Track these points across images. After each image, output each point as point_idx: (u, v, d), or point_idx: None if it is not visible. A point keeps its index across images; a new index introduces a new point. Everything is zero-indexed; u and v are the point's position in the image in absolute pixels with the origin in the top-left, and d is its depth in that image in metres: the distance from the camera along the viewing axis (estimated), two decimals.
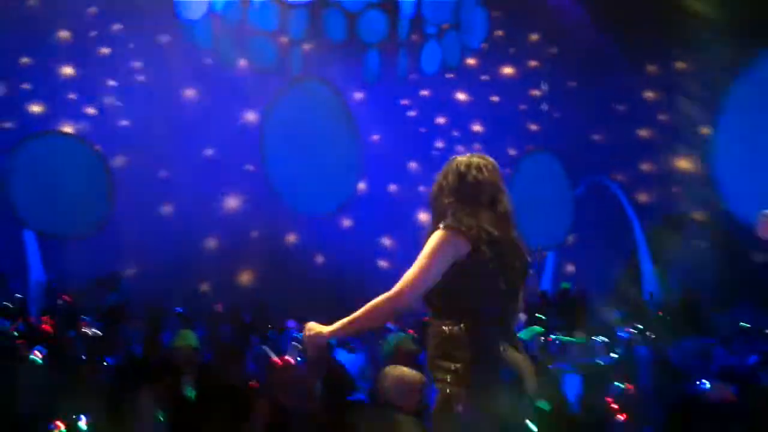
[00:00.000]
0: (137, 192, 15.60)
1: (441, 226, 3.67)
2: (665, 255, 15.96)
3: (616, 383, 8.12)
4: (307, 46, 18.60)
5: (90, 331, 10.97)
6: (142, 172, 16.37)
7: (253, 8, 17.73)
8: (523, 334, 11.38)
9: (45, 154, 14.12)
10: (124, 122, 17.27)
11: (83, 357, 8.38)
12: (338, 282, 15.20)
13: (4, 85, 16.46)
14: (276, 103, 15.27)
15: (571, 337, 8.90)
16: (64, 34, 17.37)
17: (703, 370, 8.45)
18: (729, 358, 9.13)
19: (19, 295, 12.19)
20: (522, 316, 13.92)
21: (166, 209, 17.12)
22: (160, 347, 8.76)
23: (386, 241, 18.00)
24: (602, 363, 8.56)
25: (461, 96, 19.62)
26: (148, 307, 12.15)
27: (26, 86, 16.73)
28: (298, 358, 7.06)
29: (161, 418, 6.42)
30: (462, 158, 3.96)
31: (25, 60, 16.81)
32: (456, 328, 3.54)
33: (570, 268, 17.37)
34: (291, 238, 17.58)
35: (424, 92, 19.50)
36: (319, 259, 17.62)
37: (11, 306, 11.36)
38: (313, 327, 3.69)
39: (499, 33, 19.52)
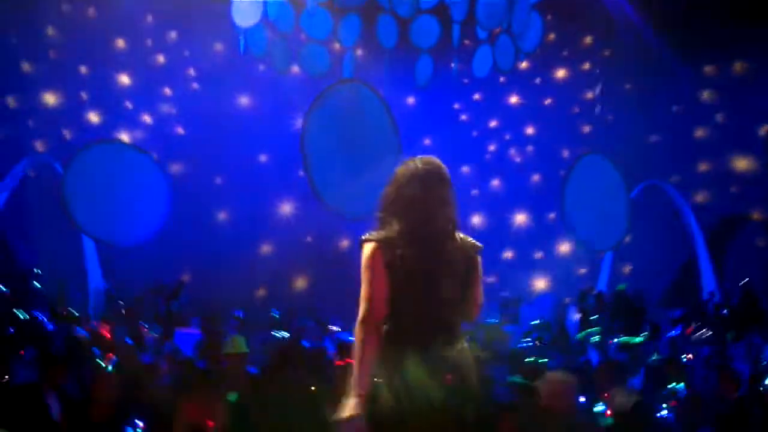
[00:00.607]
0: (193, 199, 15.79)
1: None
2: (724, 255, 15.74)
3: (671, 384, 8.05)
4: (359, 53, 18.66)
5: (150, 336, 11.18)
6: (197, 179, 16.58)
7: (306, 16, 17.84)
8: (579, 336, 11.35)
9: (103, 163, 14.29)
10: (180, 130, 17.52)
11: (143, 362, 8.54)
12: None
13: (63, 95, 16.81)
14: (318, 106, 15.29)
15: (629, 337, 8.82)
16: (120, 42, 17.70)
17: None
18: None
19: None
20: (576, 316, 13.85)
21: (222, 215, 17.31)
22: (217, 353, 8.86)
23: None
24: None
25: (514, 99, 19.54)
26: (204, 313, 12.28)
27: (84, 95, 17.05)
28: None
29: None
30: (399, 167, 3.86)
31: (83, 69, 17.14)
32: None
33: (627, 269, 17.18)
34: (344, 243, 17.64)
35: (477, 96, 19.45)
36: None
37: (75, 313, 11.58)
38: (341, 419, 3.55)
39: (552, 36, 19.37)
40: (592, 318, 12.98)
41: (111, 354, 8.23)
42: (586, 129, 18.99)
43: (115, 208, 13.83)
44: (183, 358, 9.07)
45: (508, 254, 18.34)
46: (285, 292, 16.17)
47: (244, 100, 18.20)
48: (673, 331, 11.61)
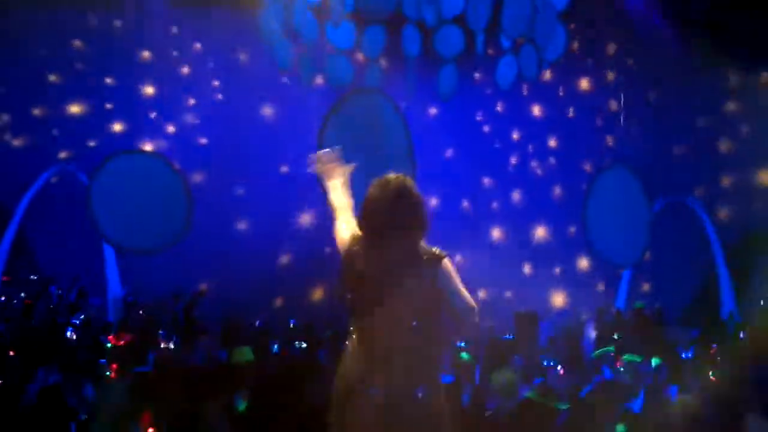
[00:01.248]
0: (214, 208, 15.91)
1: None
2: (746, 273, 15.56)
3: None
4: (383, 63, 18.71)
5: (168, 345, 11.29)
6: (219, 189, 16.71)
7: (331, 26, 17.93)
8: (595, 354, 11.27)
9: (126, 172, 14.47)
10: (203, 140, 17.68)
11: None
12: None
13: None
14: (334, 114, 15.34)
15: (631, 356, 8.75)
16: (146, 54, 17.90)
17: None
18: None
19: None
20: (592, 333, 13.77)
21: (242, 225, 17.43)
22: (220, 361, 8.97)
23: (457, 257, 17.96)
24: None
25: (536, 110, 19.46)
26: (223, 322, 12.38)
27: (109, 106, 17.27)
28: None
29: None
30: None
31: (108, 80, 17.37)
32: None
33: (646, 286, 17.06)
34: None
35: (500, 107, 19.40)
36: None
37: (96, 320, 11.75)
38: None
39: (576, 45, 19.30)
40: (609, 336, 12.93)
41: (115, 365, 8.32)
42: (609, 141, 18.88)
43: (137, 216, 14.01)
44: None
45: (526, 268, 18.28)
46: (303, 303, 16.25)
47: (267, 111, 18.32)
48: (689, 353, 11.49)
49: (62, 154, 16.68)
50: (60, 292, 13.87)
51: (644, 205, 15.52)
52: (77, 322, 11.62)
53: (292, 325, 13.17)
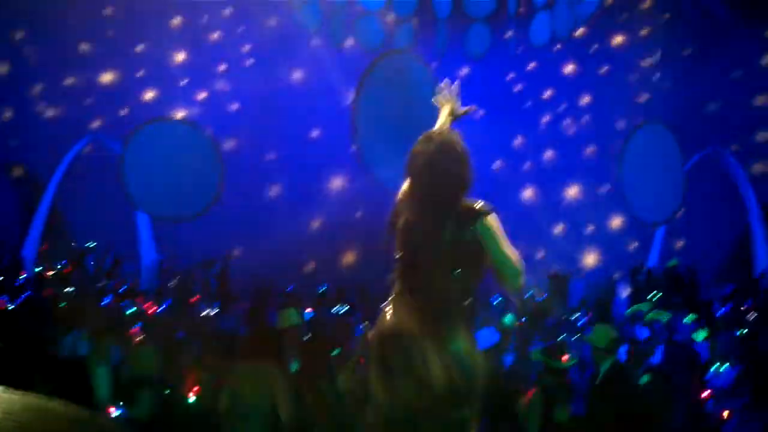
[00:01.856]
0: (245, 174, 16.00)
1: None
2: None
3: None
4: (413, 23, 18.58)
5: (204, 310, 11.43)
6: (250, 155, 16.79)
7: None
8: (628, 312, 11.24)
9: (158, 140, 14.61)
10: (234, 106, 17.73)
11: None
12: None
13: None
14: (368, 78, 15.27)
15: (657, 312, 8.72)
16: (176, 21, 17.93)
17: None
18: None
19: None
20: (626, 292, 13.72)
21: (273, 191, 17.51)
22: (265, 324, 9.07)
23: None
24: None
25: (569, 68, 19.22)
26: (254, 287, 12.50)
27: (140, 74, 17.36)
28: None
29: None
30: None
31: (139, 48, 17.44)
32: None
33: (679, 244, 16.89)
34: None
35: (531, 66, 19.18)
36: None
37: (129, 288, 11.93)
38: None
39: (610, 0, 19.01)
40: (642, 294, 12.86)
41: (135, 329, 8.45)
42: (643, 98, 18.61)
43: (169, 183, 14.17)
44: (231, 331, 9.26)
45: (558, 228, 18.17)
46: (334, 268, 16.32)
47: (297, 75, 18.30)
48: (722, 310, 11.40)
49: (95, 124, 16.84)
50: (94, 260, 14.08)
51: (678, 162, 15.36)
52: (112, 288, 11.78)
53: (323, 290, 13.25)
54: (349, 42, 18.62)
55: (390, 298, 3.84)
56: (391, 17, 18.63)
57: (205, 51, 17.90)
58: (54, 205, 14.92)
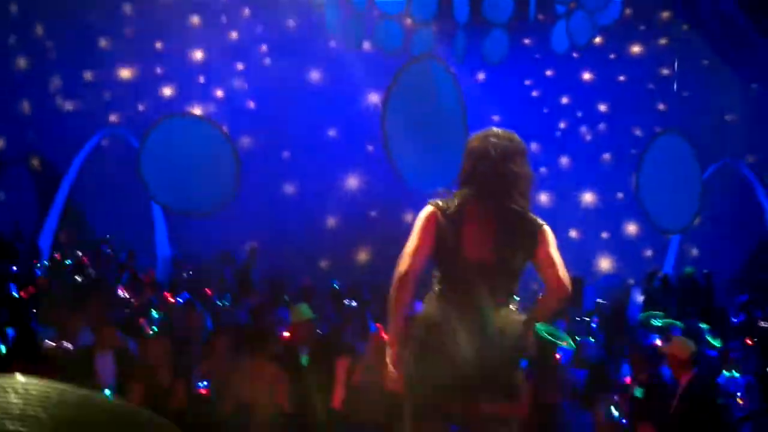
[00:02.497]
0: (261, 172, 16.03)
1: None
2: None
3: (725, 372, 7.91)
4: (432, 28, 18.60)
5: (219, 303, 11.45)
6: (266, 153, 16.83)
7: None
8: (641, 317, 11.20)
9: (175, 135, 14.62)
10: (251, 104, 17.78)
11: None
12: None
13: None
14: (395, 82, 15.31)
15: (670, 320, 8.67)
16: (195, 19, 18.02)
17: None
18: None
19: None
20: (640, 298, 13.66)
21: (289, 188, 17.55)
22: (271, 319, 9.08)
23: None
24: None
25: (587, 75, 19.22)
26: (269, 282, 12.51)
27: (159, 70, 17.44)
28: None
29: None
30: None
31: (158, 45, 17.53)
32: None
33: (694, 252, 16.85)
34: (408, 217, 17.68)
35: (549, 72, 19.19)
36: None
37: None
38: (387, 378, 3.84)
39: (629, 10, 18.98)
40: (657, 301, 12.82)
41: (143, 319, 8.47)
42: (661, 107, 18.59)
43: (186, 179, 14.17)
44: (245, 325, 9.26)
45: (573, 233, 18.14)
46: (348, 265, 16.32)
47: (314, 76, 18.35)
48: (737, 319, 11.35)
49: (113, 118, 16.92)
50: (110, 252, 14.13)
51: (695, 171, 15.31)
52: (127, 281, 11.82)
53: (335, 286, 13.26)
54: (367, 45, 18.66)
55: (428, 295, 3.86)
56: (410, 21, 18.65)
57: (223, 50, 17.97)
58: (71, 197, 14.97)
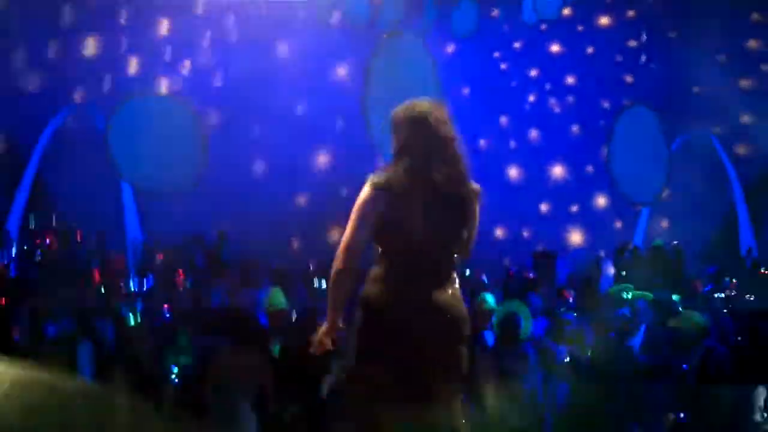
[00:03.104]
0: (230, 149, 15.85)
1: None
2: (765, 208, 15.48)
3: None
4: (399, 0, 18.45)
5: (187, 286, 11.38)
6: (235, 130, 16.63)
7: None
8: (611, 291, 11.29)
9: (142, 113, 14.42)
10: (218, 80, 17.54)
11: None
12: None
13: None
14: (375, 56, 15.17)
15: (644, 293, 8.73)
16: None
17: None
18: None
19: None
20: (611, 270, 13.78)
21: (258, 166, 17.39)
22: (247, 302, 9.03)
23: None
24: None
25: (555, 48, 19.19)
26: (241, 264, 12.44)
27: (123, 45, 17.12)
28: None
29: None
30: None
31: (122, 20, 17.19)
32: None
33: (664, 223, 17.00)
34: None
35: (517, 44, 19.15)
36: None
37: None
38: (318, 339, 3.86)
39: None
40: (627, 274, 12.92)
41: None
42: (628, 79, 18.65)
43: (154, 158, 14.01)
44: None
45: (544, 207, 18.22)
46: (320, 244, 16.23)
47: (282, 49, 18.12)
48: (706, 288, 11.50)
49: (77, 96, 16.60)
50: (79, 237, 13.94)
51: (663, 143, 15.45)
52: (98, 266, 11.70)
53: (310, 267, 13.22)
54: (336, 17, 18.47)
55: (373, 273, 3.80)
56: None
57: (188, 24, 17.66)
58: (37, 179, 14.71)
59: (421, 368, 3.65)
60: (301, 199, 17.47)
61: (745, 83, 17.49)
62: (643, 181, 15.46)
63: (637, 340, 8.03)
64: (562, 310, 8.60)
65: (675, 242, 14.62)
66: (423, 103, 3.87)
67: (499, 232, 17.39)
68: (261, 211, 15.45)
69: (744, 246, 15.44)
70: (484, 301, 8.36)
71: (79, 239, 13.87)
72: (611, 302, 9.71)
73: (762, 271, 13.45)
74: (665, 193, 15.59)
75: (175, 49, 17.49)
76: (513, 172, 18.34)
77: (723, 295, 11.35)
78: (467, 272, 12.35)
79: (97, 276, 10.65)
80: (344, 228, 3.74)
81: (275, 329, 7.31)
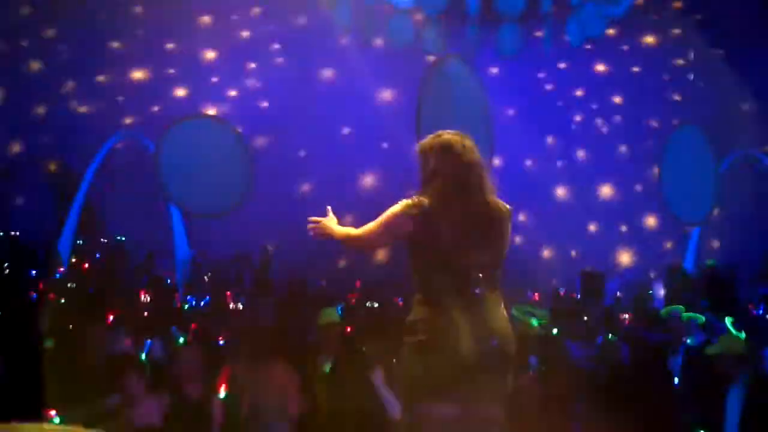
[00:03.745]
0: (277, 171, 15.98)
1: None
2: None
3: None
4: (443, 22, 18.53)
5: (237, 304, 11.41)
6: (281, 152, 16.77)
7: None
8: (663, 312, 11.11)
9: (190, 136, 14.56)
10: (264, 104, 17.73)
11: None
12: None
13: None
14: (426, 85, 15.19)
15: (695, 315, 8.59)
16: (206, 19, 17.97)
17: None
18: None
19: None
20: (661, 292, 13.57)
21: (305, 187, 17.48)
22: (298, 320, 9.01)
23: (522, 217, 17.78)
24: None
25: (600, 67, 19.08)
26: (288, 283, 12.46)
27: (171, 71, 17.39)
28: None
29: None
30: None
31: (170, 46, 17.48)
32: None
33: (715, 244, 16.73)
34: None
35: (562, 65, 19.07)
36: None
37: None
38: (326, 225, 4.36)
39: (641, 1, 18.89)
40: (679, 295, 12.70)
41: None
42: (676, 97, 18.46)
43: (202, 180, 14.11)
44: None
45: (592, 227, 18.03)
46: (366, 264, 16.21)
47: (327, 73, 18.28)
48: (759, 311, 11.26)
49: (127, 120, 16.87)
50: (130, 255, 14.11)
51: (712, 161, 15.23)
52: (147, 282, 11.79)
53: (359, 286, 13.20)
54: (379, 41, 18.59)
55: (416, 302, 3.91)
56: (420, 16, 18.58)
57: (235, 49, 17.91)
58: (88, 201, 14.92)
59: (471, 392, 3.75)
60: (348, 220, 17.47)
61: None
62: (693, 200, 15.25)
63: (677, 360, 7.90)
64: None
65: (728, 263, 14.36)
66: (448, 133, 4.10)
67: (546, 252, 17.25)
68: (307, 232, 15.45)
69: None
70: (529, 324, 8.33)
71: (128, 259, 14.04)
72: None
73: None
74: (716, 213, 15.33)
75: (221, 74, 17.73)
76: (560, 192, 18.19)
77: None
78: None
79: (145, 295, 10.69)
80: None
81: (327, 345, 7.25)
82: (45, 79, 16.95)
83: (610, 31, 18.98)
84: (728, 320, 9.94)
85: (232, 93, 17.72)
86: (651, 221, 17.65)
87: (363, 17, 18.03)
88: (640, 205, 17.47)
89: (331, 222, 4.39)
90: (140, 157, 14.69)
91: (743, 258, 14.93)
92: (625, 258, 17.49)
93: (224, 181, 14.19)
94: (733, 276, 13.54)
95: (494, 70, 18.43)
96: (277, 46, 18.23)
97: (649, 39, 19.05)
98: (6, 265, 11.96)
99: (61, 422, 5.61)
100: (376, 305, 10.92)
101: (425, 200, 3.87)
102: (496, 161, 16.66)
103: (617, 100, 18.84)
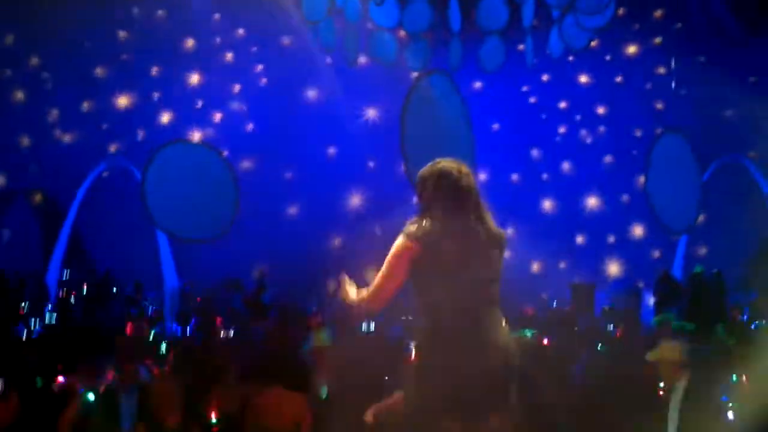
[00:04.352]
0: (264, 194, 15.97)
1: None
2: None
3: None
4: (426, 38, 18.57)
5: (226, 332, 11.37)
6: (268, 174, 16.77)
7: (373, 4, 17.82)
8: (654, 321, 11.16)
9: (175, 162, 14.55)
10: (249, 126, 17.74)
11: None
12: None
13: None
14: (408, 99, 15.24)
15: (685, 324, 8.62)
16: (189, 42, 17.99)
17: None
18: None
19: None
20: (651, 301, 13.61)
21: (292, 210, 17.48)
22: (288, 344, 8.98)
23: (509, 231, 17.81)
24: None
25: (583, 78, 19.17)
26: (279, 307, 12.44)
27: (156, 96, 17.39)
28: None
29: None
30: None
31: (154, 71, 17.49)
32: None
33: (702, 251, 16.79)
34: None
35: (545, 77, 19.15)
36: None
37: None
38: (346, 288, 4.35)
39: (622, 10, 18.95)
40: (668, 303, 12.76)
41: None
42: (659, 106, 18.55)
43: (188, 206, 14.11)
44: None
45: (579, 239, 18.08)
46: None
47: (312, 94, 18.31)
48: (746, 316, 11.31)
49: (112, 147, 16.86)
50: (116, 286, 14.05)
51: (696, 170, 15.30)
52: (136, 314, 11.76)
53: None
54: (362, 59, 18.61)
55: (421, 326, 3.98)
56: (404, 33, 18.61)
57: (219, 72, 17.93)
58: (74, 231, 14.90)
59: (476, 409, 3.80)
60: (336, 241, 17.51)
61: None
62: (679, 209, 15.31)
63: None
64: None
65: (715, 270, 14.40)
66: (445, 160, 4.12)
67: (535, 265, 17.29)
68: (296, 254, 15.49)
69: None
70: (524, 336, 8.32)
71: (114, 290, 13.98)
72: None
73: None
74: (701, 220, 15.39)
75: (206, 98, 17.75)
76: (547, 205, 18.24)
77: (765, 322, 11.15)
78: None
79: (131, 328, 10.65)
80: (380, 268, 3.87)
81: (322, 368, 7.24)
82: (29, 108, 16.90)
83: (593, 43, 19.04)
84: (719, 327, 10.00)
85: (217, 116, 17.73)
86: (638, 230, 17.72)
87: (346, 36, 18.02)
88: (628, 215, 17.54)
89: (350, 287, 4.39)
90: (126, 185, 14.68)
91: (730, 264, 14.99)
92: (613, 268, 17.55)
93: (211, 206, 14.20)
94: (721, 282, 13.59)
95: (478, 85, 18.49)
96: (260, 67, 18.25)
97: (631, 49, 19.14)
98: None
99: None
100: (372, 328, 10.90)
101: (423, 226, 3.91)
102: (482, 176, 16.73)
103: (601, 110, 18.94)
